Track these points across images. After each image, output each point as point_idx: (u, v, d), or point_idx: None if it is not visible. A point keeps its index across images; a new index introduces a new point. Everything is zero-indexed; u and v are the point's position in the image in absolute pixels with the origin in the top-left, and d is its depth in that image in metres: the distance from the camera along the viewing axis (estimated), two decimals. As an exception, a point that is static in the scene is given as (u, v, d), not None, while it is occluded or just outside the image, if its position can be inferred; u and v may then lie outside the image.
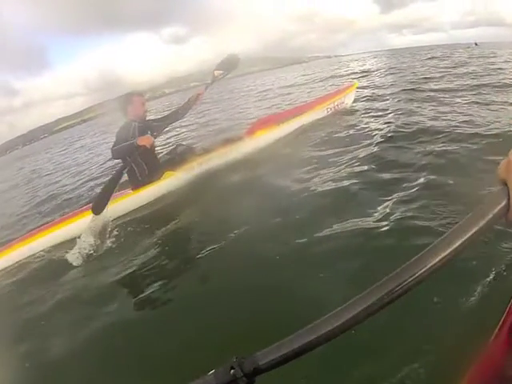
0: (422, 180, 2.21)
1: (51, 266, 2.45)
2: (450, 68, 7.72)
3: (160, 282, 1.86)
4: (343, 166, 2.75)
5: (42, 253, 2.69)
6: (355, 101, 4.93)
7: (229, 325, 1.37)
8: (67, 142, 17.08)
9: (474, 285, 1.26)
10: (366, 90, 6.18)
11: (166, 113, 3.65)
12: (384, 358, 1.08)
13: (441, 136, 2.95)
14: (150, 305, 1.74)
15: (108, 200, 2.59)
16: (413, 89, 5.54)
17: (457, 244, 0.33)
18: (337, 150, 3.16)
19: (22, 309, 1.97)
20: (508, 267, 1.33)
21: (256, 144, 3.54)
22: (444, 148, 2.69)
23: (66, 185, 5.38)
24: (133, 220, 2.82)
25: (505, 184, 0.35)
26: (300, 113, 4.15)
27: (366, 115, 4.33)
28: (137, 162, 2.94)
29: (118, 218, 2.85)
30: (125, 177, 3.00)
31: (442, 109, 3.96)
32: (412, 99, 4.76)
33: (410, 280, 0.32)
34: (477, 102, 4.04)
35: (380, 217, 1.88)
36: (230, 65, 3.47)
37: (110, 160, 5.23)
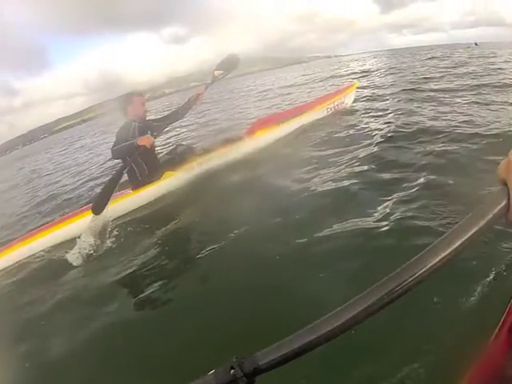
0: (422, 180, 2.21)
1: (51, 266, 2.45)
2: (449, 68, 7.72)
3: (160, 282, 1.86)
4: (343, 166, 2.75)
5: (41, 253, 2.69)
6: (355, 101, 4.93)
7: (229, 325, 1.37)
8: (67, 142, 17.08)
9: (473, 285, 1.26)
10: (365, 90, 6.18)
11: (166, 113, 3.65)
12: (384, 358, 1.08)
13: (441, 136, 2.95)
14: (150, 305, 1.74)
15: (108, 200, 2.59)
16: (413, 89, 5.54)
17: (457, 244, 0.33)
18: (337, 150, 3.16)
19: (22, 309, 1.97)
20: (508, 267, 1.33)
21: (256, 144, 3.54)
22: (444, 148, 2.69)
23: (66, 185, 5.38)
24: (133, 220, 2.82)
25: (505, 184, 0.35)
26: (300, 113, 4.15)
27: (366, 115, 4.33)
28: (137, 161, 2.94)
29: (118, 217, 2.85)
30: (125, 177, 3.00)
31: (441, 109, 3.96)
32: (412, 99, 4.76)
33: (409, 280, 0.32)
34: (477, 102, 4.04)
35: (380, 217, 1.88)
36: (230, 65, 3.47)
37: (110, 160, 5.23)
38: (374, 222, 1.85)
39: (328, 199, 2.26)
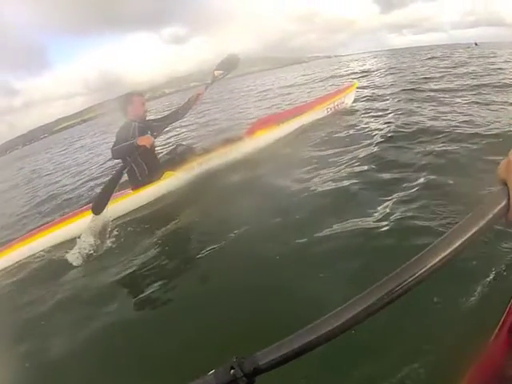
0: (422, 180, 2.21)
1: (51, 266, 2.45)
2: (449, 68, 7.72)
3: (160, 282, 1.86)
4: (343, 166, 2.75)
5: (42, 253, 2.69)
6: (355, 101, 4.93)
7: (229, 325, 1.37)
8: (67, 142, 17.08)
9: (473, 285, 1.26)
10: (366, 90, 6.18)
11: (166, 113, 3.65)
12: (384, 358, 1.08)
13: (441, 136, 2.95)
14: (150, 305, 1.74)
15: (108, 200, 2.59)
16: (413, 89, 5.54)
17: (457, 244, 0.33)
18: (337, 150, 3.16)
19: (22, 309, 1.97)
20: (508, 267, 1.33)
21: (256, 144, 3.54)
22: (444, 148, 2.69)
23: (66, 185, 5.38)
24: (133, 220, 2.82)
25: (505, 184, 0.35)
26: (300, 113, 4.15)
27: (366, 115, 4.33)
28: (137, 161, 2.94)
29: (118, 217, 2.85)
30: (125, 177, 3.00)
31: (441, 109, 3.96)
32: (412, 99, 4.76)
33: (409, 280, 0.32)
34: (477, 102, 4.04)
35: (380, 217, 1.88)
36: (230, 65, 3.47)
37: (110, 160, 5.23)
38: (373, 222, 1.85)
39: (328, 199, 2.26)
